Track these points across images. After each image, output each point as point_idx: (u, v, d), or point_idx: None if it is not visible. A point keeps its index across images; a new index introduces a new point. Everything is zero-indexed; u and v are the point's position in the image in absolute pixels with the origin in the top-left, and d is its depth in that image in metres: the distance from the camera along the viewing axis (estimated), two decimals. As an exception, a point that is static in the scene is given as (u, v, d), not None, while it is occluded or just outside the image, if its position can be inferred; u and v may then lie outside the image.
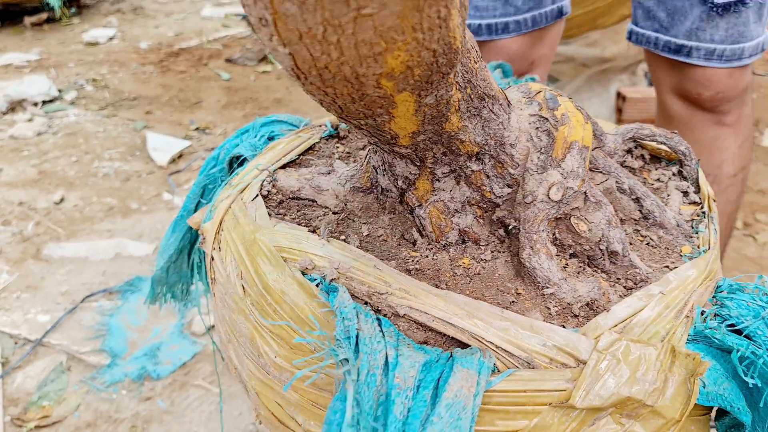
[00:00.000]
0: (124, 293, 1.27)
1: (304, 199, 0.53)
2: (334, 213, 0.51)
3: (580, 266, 0.48)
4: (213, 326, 1.19)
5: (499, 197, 0.47)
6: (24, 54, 2.57)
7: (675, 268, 0.48)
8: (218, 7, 3.25)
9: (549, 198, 0.45)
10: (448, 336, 0.41)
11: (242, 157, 0.61)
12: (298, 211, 0.52)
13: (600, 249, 0.48)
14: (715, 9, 0.84)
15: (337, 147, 0.61)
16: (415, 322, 0.42)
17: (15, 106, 2.04)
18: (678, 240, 0.52)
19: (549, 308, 0.45)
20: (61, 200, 1.57)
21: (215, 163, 0.63)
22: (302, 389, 0.43)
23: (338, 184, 0.52)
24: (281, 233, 0.47)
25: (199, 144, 1.87)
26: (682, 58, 0.90)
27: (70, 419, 1.03)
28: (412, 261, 0.47)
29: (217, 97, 2.18)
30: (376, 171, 0.50)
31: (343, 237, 0.48)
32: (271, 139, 0.62)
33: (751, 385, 0.42)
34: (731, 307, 0.45)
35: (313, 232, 0.49)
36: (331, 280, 0.43)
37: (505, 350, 0.39)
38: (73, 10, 3.09)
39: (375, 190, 0.51)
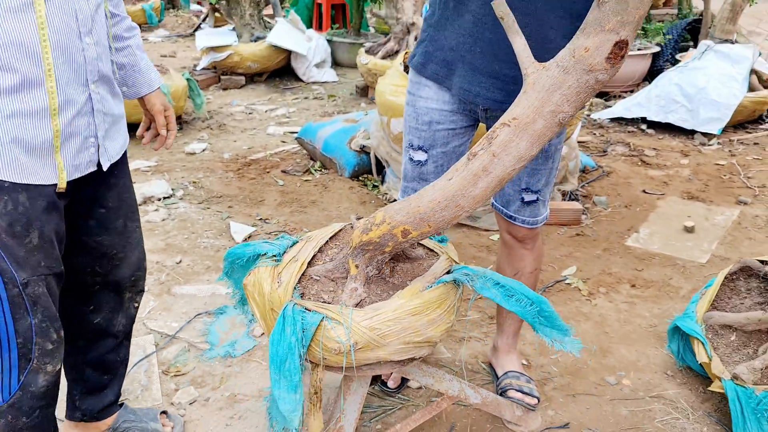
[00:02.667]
0: (217, 314, 2.27)
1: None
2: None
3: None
4: (262, 334, 2.16)
5: None
6: (146, 161, 3.72)
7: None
8: (279, 126, 4.39)
9: None
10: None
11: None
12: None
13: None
14: (524, 203, 1.78)
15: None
16: None
17: (146, 200, 3.14)
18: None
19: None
20: (180, 261, 2.61)
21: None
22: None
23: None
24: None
25: (261, 229, 2.90)
26: (511, 220, 1.84)
27: (191, 373, 2.00)
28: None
29: (275, 197, 3.24)
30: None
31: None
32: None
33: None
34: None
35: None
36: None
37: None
38: (178, 126, 4.28)
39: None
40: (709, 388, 1.77)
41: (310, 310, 1.30)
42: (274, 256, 1.44)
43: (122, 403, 1.67)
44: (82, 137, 1.23)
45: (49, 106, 1.14)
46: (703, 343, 1.81)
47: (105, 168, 1.32)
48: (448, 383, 1.68)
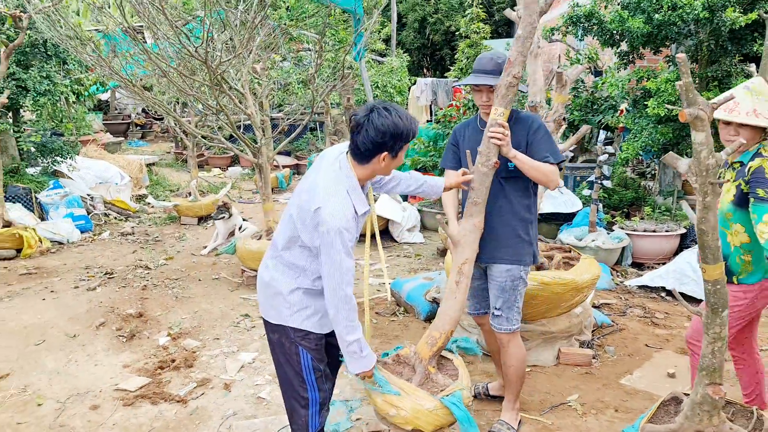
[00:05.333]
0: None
1: None
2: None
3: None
4: (358, 419, 3.29)
5: None
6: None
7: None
8: (376, 278, 5.72)
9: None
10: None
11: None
12: None
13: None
14: (494, 315, 2.97)
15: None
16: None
17: (282, 327, 4.46)
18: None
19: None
20: (305, 370, 3.84)
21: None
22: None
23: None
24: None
25: (359, 353, 4.10)
26: (492, 327, 3.02)
27: (311, 438, 3.15)
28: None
29: (369, 332, 4.47)
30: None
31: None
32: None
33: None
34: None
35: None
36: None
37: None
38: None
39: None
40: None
41: (451, 394, 2.49)
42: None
43: None
44: None
45: None
46: (637, 443, 2.76)
47: None
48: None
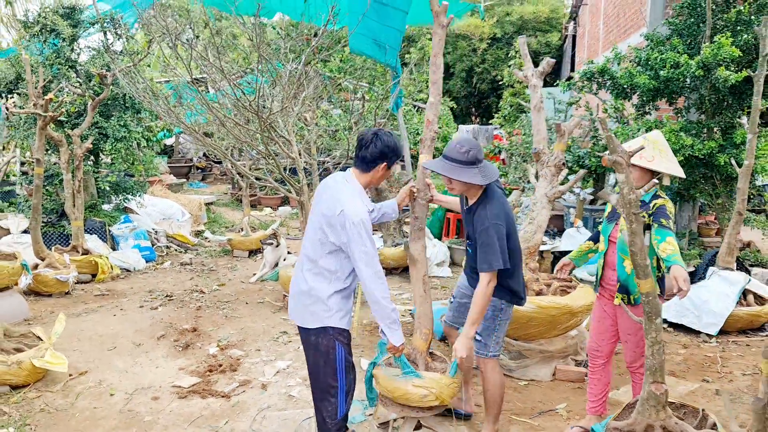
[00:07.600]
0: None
1: None
2: None
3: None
4: (370, 414, 3.88)
5: None
6: (316, 321, 5.77)
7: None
8: (403, 305, 6.32)
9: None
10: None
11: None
12: None
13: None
14: (476, 340, 3.47)
15: None
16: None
17: (315, 342, 5.12)
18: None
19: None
20: (331, 376, 4.47)
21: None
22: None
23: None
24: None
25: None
26: (474, 353, 3.54)
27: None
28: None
29: (390, 348, 5.07)
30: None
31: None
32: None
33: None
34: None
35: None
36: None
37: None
38: (336, 301, 6.38)
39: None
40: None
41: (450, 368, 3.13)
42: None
43: None
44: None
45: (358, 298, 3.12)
46: (601, 436, 3.26)
47: None
48: (456, 429, 3.33)
